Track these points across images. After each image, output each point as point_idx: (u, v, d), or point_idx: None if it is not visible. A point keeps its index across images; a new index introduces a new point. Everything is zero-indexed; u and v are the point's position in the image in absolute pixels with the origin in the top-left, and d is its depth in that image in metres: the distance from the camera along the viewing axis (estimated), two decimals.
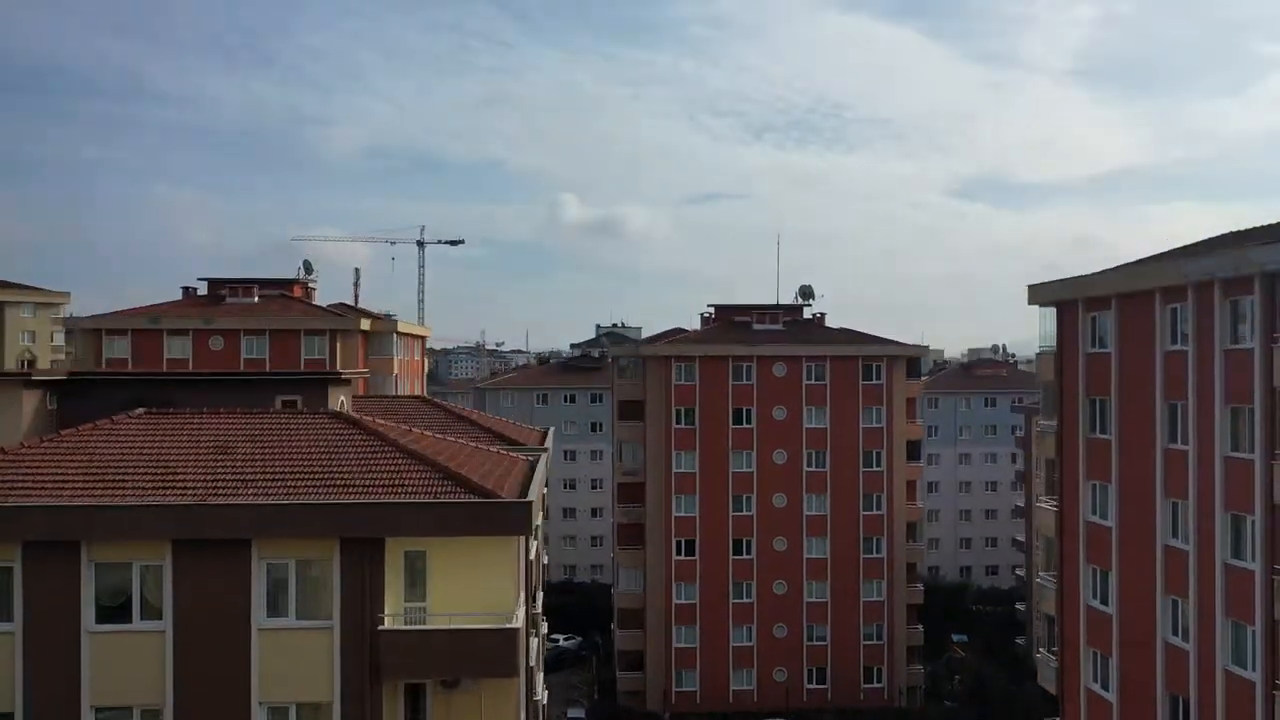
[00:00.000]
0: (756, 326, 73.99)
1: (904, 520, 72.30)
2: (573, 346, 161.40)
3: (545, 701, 38.00)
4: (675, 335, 77.37)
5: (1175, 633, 31.48)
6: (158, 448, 23.34)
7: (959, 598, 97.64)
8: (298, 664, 20.96)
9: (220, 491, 21.47)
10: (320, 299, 77.42)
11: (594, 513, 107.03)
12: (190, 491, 21.43)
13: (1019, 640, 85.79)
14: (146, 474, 22.11)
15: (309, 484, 21.83)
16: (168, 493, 21.39)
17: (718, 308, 78.21)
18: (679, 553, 70.91)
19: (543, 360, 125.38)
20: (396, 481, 22.06)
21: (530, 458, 29.79)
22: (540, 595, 35.18)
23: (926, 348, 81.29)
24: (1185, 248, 36.48)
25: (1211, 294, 29.01)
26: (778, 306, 76.84)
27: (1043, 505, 40.31)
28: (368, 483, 22.03)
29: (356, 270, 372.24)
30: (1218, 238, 36.28)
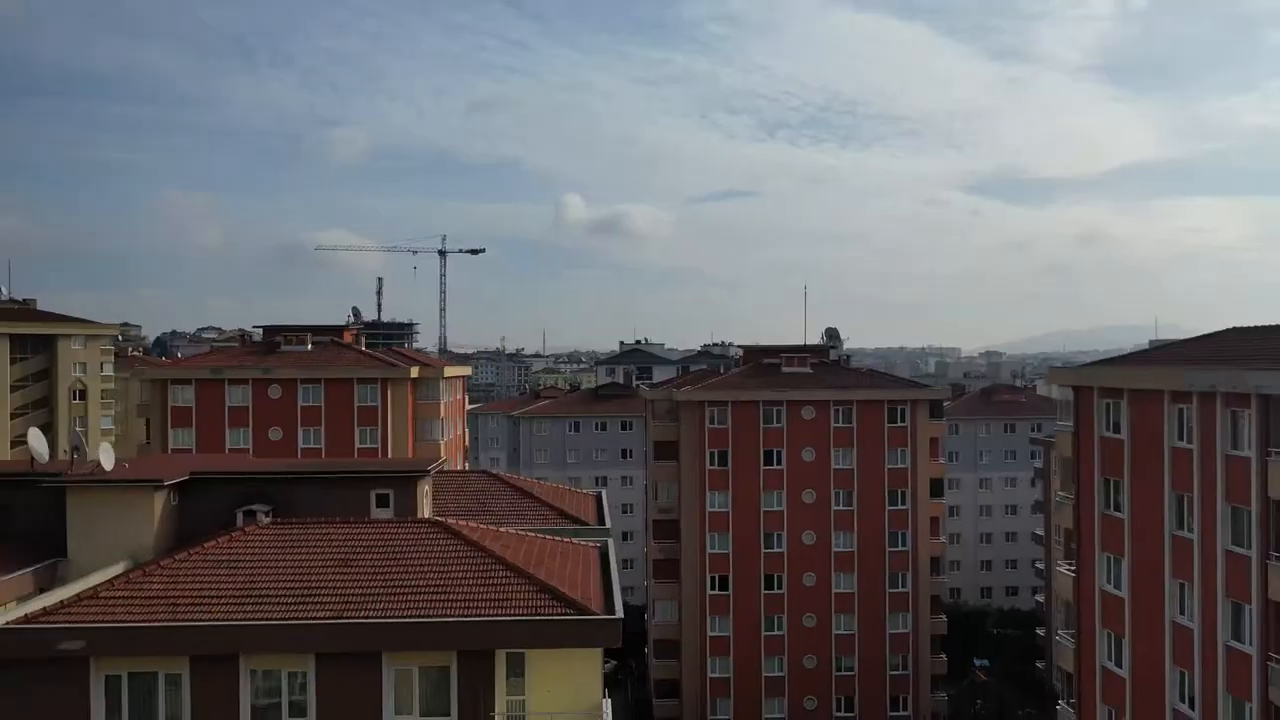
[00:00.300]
0: (785, 369, 77.24)
1: (928, 555, 75.43)
2: (599, 364, 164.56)
3: None
4: (707, 377, 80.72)
5: (1182, 700, 34.68)
6: (291, 560, 26.92)
7: (980, 622, 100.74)
8: None
9: (352, 606, 25.00)
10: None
11: (625, 536, 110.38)
12: (327, 606, 24.98)
13: (1039, 664, 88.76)
14: (287, 588, 25.68)
15: (427, 598, 25.33)
16: (308, 607, 24.95)
17: (747, 349, 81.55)
18: (713, 587, 74.31)
19: (574, 387, 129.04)
20: (501, 596, 25.52)
21: (600, 545, 33.23)
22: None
23: (949, 388, 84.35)
24: (1198, 339, 39.66)
25: (1214, 403, 32.20)
26: (805, 348, 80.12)
27: (1061, 570, 43.49)
28: (477, 597, 25.50)
29: (379, 280, 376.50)
30: (1224, 332, 39.39)
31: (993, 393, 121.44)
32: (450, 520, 30.59)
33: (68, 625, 23.84)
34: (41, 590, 29.31)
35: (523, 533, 32.73)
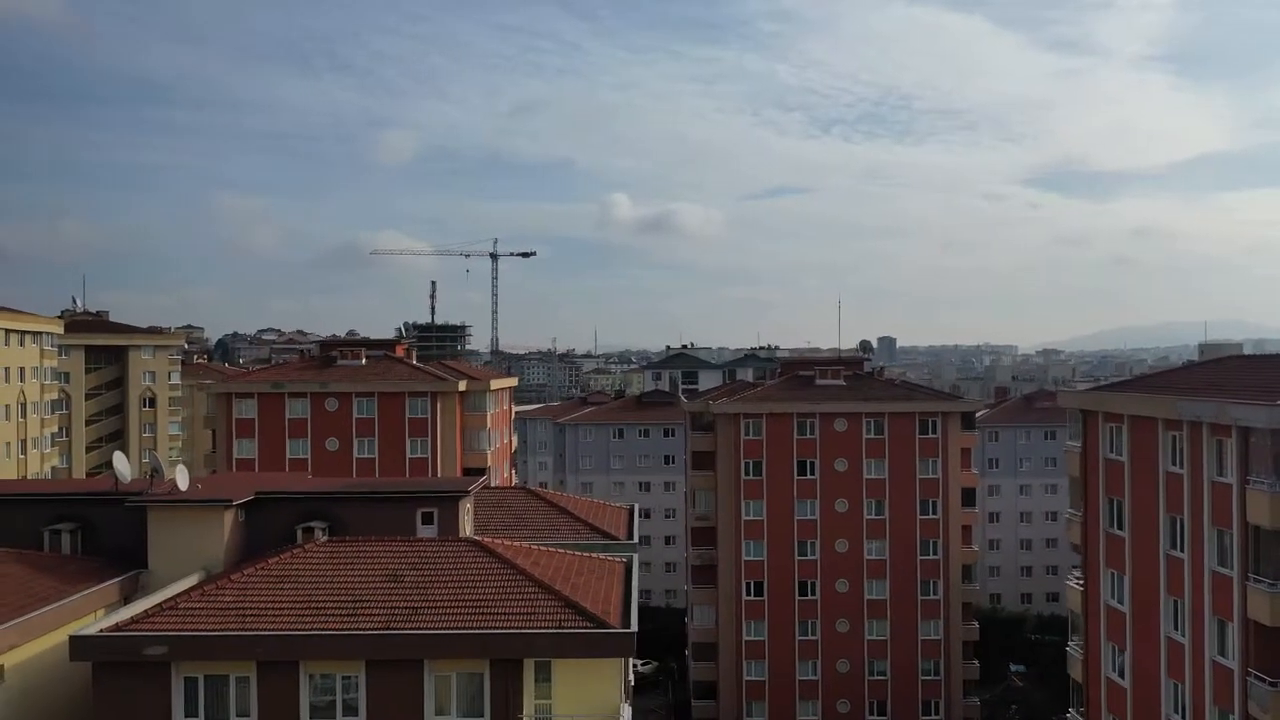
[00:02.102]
0: (819, 381, 79.50)
1: (959, 563, 77.23)
2: (645, 368, 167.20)
3: None
4: (743, 389, 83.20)
5: (1176, 711, 36.67)
6: (345, 576, 30.20)
7: (1018, 628, 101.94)
8: None
9: (398, 618, 28.19)
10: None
11: (668, 540, 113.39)
12: (376, 618, 28.20)
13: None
14: (341, 601, 28.94)
15: (464, 611, 28.43)
16: (359, 619, 28.19)
17: (784, 362, 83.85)
18: (749, 593, 76.87)
19: (618, 393, 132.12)
20: (530, 610, 28.55)
21: (625, 560, 36.13)
22: (632, 663, 41.58)
23: (980, 402, 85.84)
24: (1202, 364, 41.47)
25: (1201, 431, 34.20)
26: (839, 360, 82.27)
27: (1070, 584, 45.49)
28: (508, 610, 28.55)
29: (433, 284, 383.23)
30: (1227, 360, 41.19)
31: (1035, 399, 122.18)
32: (486, 539, 33.70)
33: (153, 633, 27.30)
34: (126, 599, 33.00)
35: (554, 548, 35.78)
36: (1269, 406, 30.75)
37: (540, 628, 27.97)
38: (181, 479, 36.01)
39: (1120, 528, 40.35)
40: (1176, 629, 36.42)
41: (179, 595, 29.94)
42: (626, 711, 28.76)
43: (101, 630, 27.55)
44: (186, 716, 27.28)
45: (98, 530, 35.87)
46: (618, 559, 36.66)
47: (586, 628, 28.01)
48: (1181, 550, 35.78)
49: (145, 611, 28.75)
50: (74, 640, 27.19)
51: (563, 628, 27.96)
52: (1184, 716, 35.93)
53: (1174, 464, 36.31)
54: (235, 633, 27.59)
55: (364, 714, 27.48)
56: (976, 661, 79.26)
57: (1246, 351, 45.29)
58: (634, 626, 28.71)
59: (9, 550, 33.58)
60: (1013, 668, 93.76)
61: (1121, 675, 40.45)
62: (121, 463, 37.54)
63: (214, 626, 27.92)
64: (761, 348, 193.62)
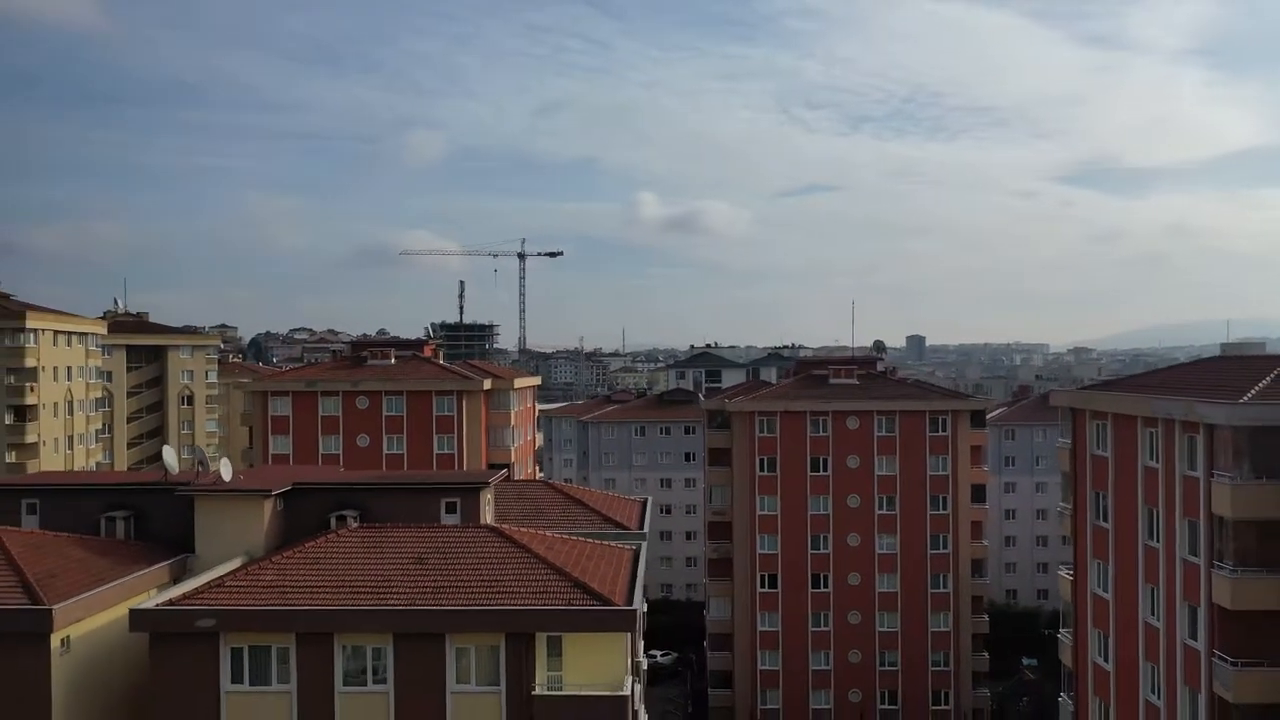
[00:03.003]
0: (833, 381, 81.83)
1: (969, 558, 79.31)
2: (669, 367, 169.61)
3: None
4: (759, 388, 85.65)
5: (1152, 692, 38.90)
6: (374, 558, 33.11)
7: (1032, 623, 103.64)
8: (477, 715, 30.36)
9: (422, 596, 31.05)
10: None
11: (688, 536, 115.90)
12: (402, 596, 31.07)
13: None
14: (371, 581, 31.84)
15: (482, 591, 31.25)
16: (387, 596, 31.07)
17: (799, 362, 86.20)
18: (763, 585, 79.37)
19: (640, 394, 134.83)
20: (542, 589, 31.32)
21: (634, 547, 38.82)
22: (640, 643, 44.20)
23: (989, 398, 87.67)
24: (1194, 363, 43.58)
25: (1174, 428, 36.43)
26: (852, 360, 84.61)
27: (1061, 574, 47.67)
28: (522, 590, 31.34)
29: (461, 283, 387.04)
30: (1218, 359, 43.27)
31: (1051, 396, 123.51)
32: (504, 527, 36.54)
33: (204, 608, 30.34)
34: (175, 580, 36.10)
35: (568, 536, 38.53)
36: (1229, 405, 32.95)
37: (550, 605, 30.74)
38: (225, 471, 39.09)
39: (1105, 520, 42.56)
40: (1153, 615, 38.61)
41: (225, 575, 32.98)
42: (630, 682, 31.40)
43: (157, 605, 30.63)
44: (233, 682, 30.31)
45: (149, 518, 39.03)
46: (627, 546, 39.37)
47: (593, 606, 30.74)
48: (1157, 540, 37.97)
49: (195, 589, 31.79)
50: (133, 613, 30.30)
51: (571, 605, 30.71)
52: (1159, 697, 38.13)
53: (1151, 459, 38.50)
54: (276, 608, 30.57)
55: (392, 683, 30.36)
56: (986, 654, 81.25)
57: (1270, 351, 46.46)
58: (637, 606, 31.40)
59: (70, 535, 36.79)
60: (1024, 661, 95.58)
61: (1106, 660, 42.64)
62: (170, 456, 40.73)
63: (257, 602, 30.90)
64: (785, 347, 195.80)
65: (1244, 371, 38.29)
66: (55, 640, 30.25)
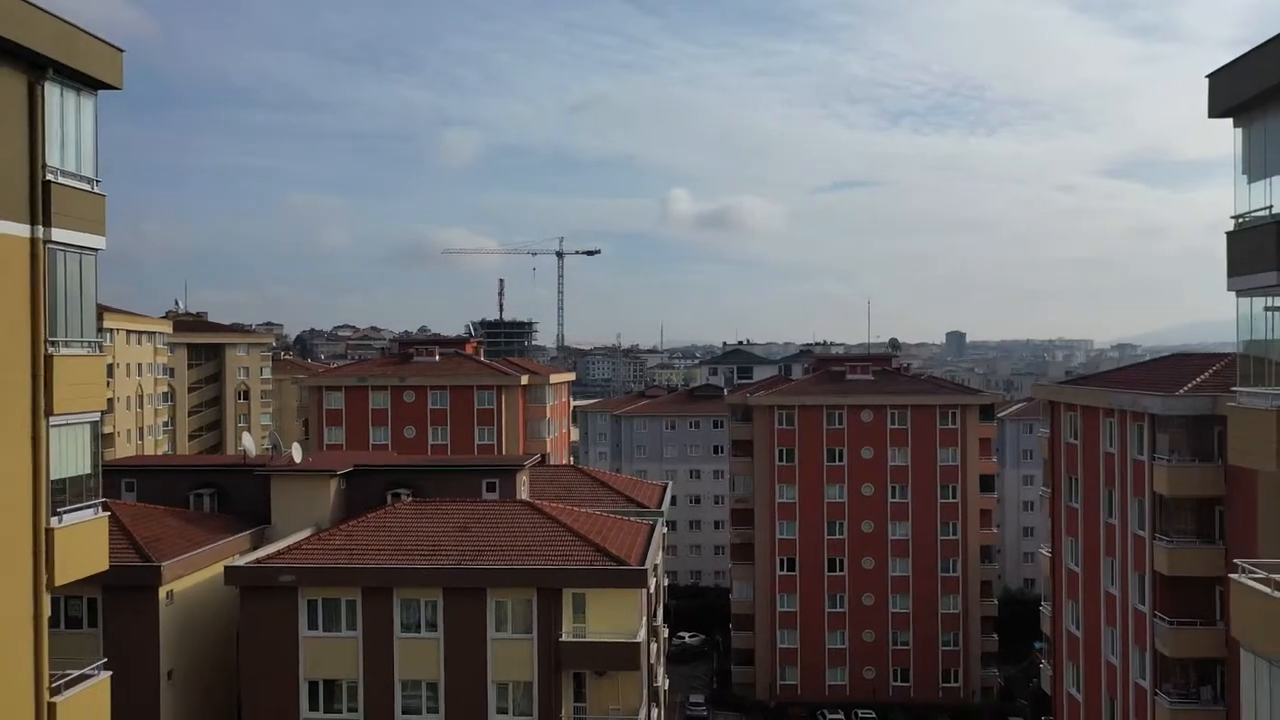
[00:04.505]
0: (849, 377, 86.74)
1: (977, 544, 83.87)
2: (702, 364, 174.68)
3: (666, 688, 52.67)
4: (780, 383, 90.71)
5: (1111, 653, 43.72)
6: (426, 527, 38.90)
7: None
8: (513, 658, 35.99)
9: (467, 557, 36.75)
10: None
11: (717, 525, 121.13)
12: (450, 557, 36.79)
13: None
14: (424, 545, 37.61)
15: (517, 553, 36.89)
16: (438, 557, 36.80)
17: (817, 359, 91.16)
18: (782, 569, 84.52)
19: (671, 389, 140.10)
20: (568, 552, 36.90)
21: (651, 522, 44.32)
22: (660, 611, 49.73)
23: (1000, 395, 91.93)
24: (1159, 360, 48.12)
25: (1126, 418, 41.22)
26: (869, 357, 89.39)
27: (1041, 552, 52.44)
28: (551, 552, 36.94)
29: (500, 281, 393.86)
30: (1177, 356, 47.85)
31: None
32: (537, 501, 42.21)
33: (285, 565, 36.27)
34: (255, 546, 42.11)
35: (593, 511, 44.12)
36: (1165, 396, 37.71)
37: (575, 565, 36.33)
38: (297, 454, 45.10)
39: (1076, 501, 47.32)
40: (1111, 584, 43.37)
41: (300, 540, 38.93)
42: (643, 633, 36.89)
43: (247, 563, 36.62)
44: (309, 629, 36.24)
45: (231, 494, 45.17)
46: (645, 521, 44.91)
47: (610, 565, 36.28)
48: (1114, 517, 42.73)
49: (276, 552, 37.77)
50: (228, 570, 36.33)
51: (592, 565, 36.27)
52: (1116, 657, 42.91)
53: (1110, 446, 43.24)
54: (345, 566, 36.44)
55: (441, 630, 36.12)
56: (996, 635, 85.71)
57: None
58: (649, 566, 36.89)
59: (166, 508, 42.93)
60: (1036, 645, 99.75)
61: (1077, 627, 47.40)
62: (248, 441, 46.83)
63: (329, 562, 36.79)
64: (818, 343, 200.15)
65: (1189, 368, 42.93)
66: (162, 593, 36.27)
